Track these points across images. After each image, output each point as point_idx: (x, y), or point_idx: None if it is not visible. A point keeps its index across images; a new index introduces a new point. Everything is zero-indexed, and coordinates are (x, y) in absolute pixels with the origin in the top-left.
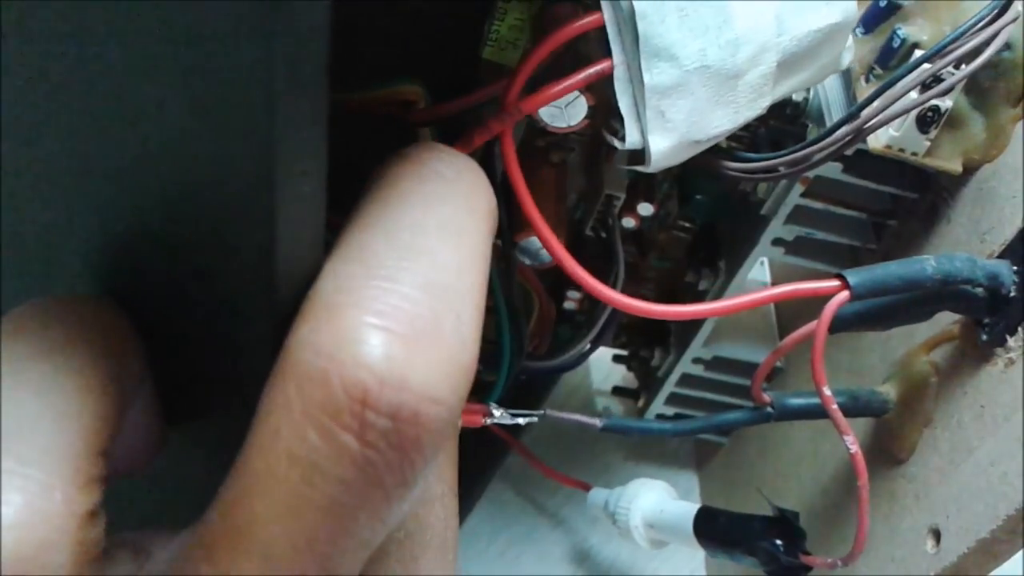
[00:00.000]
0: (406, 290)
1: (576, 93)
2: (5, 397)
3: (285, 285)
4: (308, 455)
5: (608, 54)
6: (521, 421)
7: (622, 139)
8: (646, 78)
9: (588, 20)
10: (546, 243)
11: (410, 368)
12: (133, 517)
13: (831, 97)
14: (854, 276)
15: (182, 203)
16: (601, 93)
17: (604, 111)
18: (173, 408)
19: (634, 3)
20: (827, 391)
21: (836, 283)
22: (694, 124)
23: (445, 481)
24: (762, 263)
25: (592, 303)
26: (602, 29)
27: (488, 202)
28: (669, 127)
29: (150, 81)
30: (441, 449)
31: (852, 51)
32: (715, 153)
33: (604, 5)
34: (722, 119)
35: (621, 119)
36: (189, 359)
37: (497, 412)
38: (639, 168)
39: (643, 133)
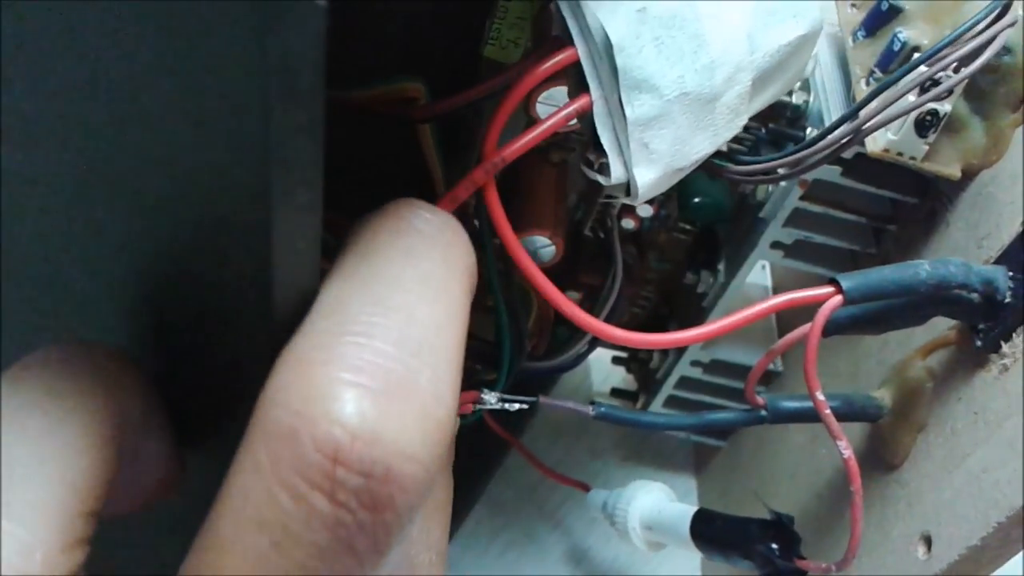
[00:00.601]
0: (380, 345)
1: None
2: (4, 446)
3: (282, 297)
4: (277, 518)
5: (585, 88)
6: (513, 407)
7: (606, 174)
8: (628, 112)
9: (561, 58)
10: (529, 275)
11: (383, 424)
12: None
13: (831, 100)
14: (848, 280)
15: (180, 212)
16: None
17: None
18: (187, 429)
19: (610, 36)
20: (820, 396)
21: (830, 289)
22: (677, 152)
23: (433, 548)
24: (764, 267)
25: (591, 304)
26: (577, 64)
27: (467, 258)
28: (654, 158)
29: (147, 90)
30: (416, 511)
31: (815, 59)
32: (715, 156)
33: (577, 40)
34: (702, 143)
35: (597, 150)
36: (197, 377)
37: (489, 398)
38: (626, 200)
39: (627, 167)
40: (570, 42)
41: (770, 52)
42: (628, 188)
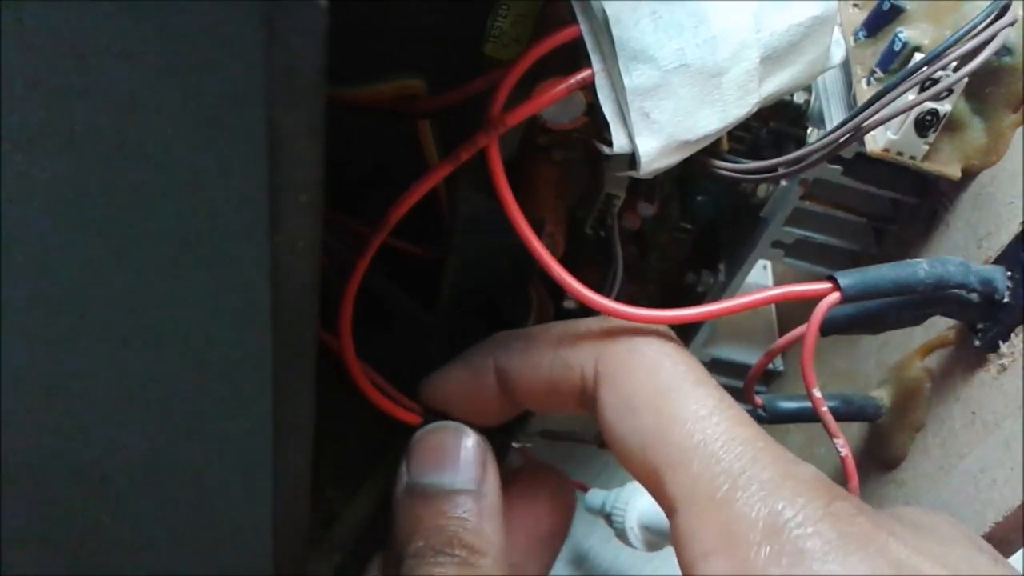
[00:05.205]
0: None
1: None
2: None
3: (282, 295)
4: None
5: (588, 63)
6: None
7: (611, 145)
8: (626, 80)
9: (564, 33)
10: (533, 251)
11: None
12: None
13: (832, 100)
14: (845, 278)
15: (182, 210)
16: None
17: (598, 115)
18: None
19: (607, 10)
20: (817, 393)
21: (827, 285)
22: (680, 124)
23: None
24: (765, 267)
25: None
26: (581, 40)
27: None
28: (655, 128)
29: (147, 90)
30: None
31: (842, 46)
32: (714, 155)
33: (580, 17)
34: (709, 118)
35: (603, 124)
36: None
37: None
38: (632, 174)
39: (630, 137)
40: (574, 20)
41: (778, 31)
42: (633, 161)
